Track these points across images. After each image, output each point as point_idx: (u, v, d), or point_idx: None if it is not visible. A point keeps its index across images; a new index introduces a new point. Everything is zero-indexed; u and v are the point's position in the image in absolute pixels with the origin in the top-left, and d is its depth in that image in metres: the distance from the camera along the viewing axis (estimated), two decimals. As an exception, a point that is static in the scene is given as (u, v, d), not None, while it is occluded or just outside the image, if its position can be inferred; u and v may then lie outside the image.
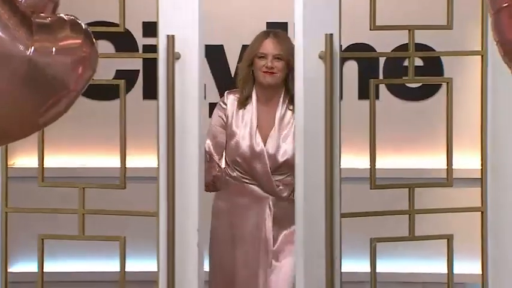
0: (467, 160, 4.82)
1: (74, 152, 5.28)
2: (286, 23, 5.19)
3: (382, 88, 5.36)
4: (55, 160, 5.02)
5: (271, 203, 4.06)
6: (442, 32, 4.07)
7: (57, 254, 4.98)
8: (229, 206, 4.16)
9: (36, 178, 4.11)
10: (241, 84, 4.09)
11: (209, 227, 4.33)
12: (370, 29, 3.76)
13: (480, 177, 4.02)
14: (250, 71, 4.07)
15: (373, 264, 3.73)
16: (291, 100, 4.02)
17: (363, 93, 5.29)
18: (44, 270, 4.11)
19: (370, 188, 3.72)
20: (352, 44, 5.15)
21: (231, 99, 4.07)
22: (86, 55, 2.12)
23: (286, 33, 4.40)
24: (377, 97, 4.35)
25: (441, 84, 4.95)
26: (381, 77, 5.24)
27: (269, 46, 3.96)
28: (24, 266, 4.86)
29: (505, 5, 2.09)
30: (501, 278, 3.99)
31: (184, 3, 3.83)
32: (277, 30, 4.23)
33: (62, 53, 2.10)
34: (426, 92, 5.30)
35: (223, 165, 4.27)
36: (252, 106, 4.04)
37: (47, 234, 4.14)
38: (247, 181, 4.08)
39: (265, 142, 4.04)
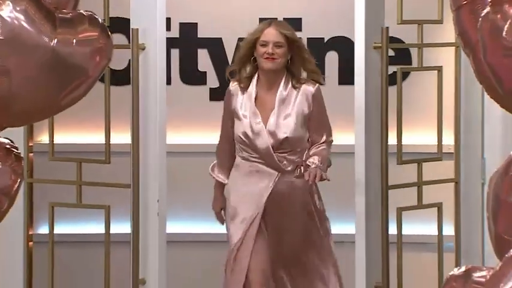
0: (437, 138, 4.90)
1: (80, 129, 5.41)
2: (276, 18, 5.18)
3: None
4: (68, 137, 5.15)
5: (276, 178, 4.11)
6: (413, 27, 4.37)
7: (67, 218, 5.05)
8: (241, 183, 4.18)
9: (46, 153, 4.63)
10: (237, 61, 4.15)
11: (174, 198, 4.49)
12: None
13: (454, 152, 4.45)
14: (249, 54, 4.13)
15: (399, 228, 4.14)
16: (296, 81, 4.09)
17: (343, 80, 5.25)
18: (59, 232, 4.56)
19: (397, 163, 4.16)
20: (333, 37, 5.17)
21: (235, 86, 4.17)
22: (103, 46, 2.24)
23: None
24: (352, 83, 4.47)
25: (409, 72, 4.90)
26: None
27: (270, 34, 4.04)
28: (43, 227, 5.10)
29: (464, 2, 2.19)
30: (470, 234, 4.45)
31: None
32: (279, 20, 4.31)
33: (81, 44, 2.22)
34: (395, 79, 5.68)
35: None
36: (253, 89, 4.14)
37: (56, 202, 4.50)
38: (254, 159, 4.14)
39: (266, 121, 4.11)
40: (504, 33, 2.11)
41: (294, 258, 4.21)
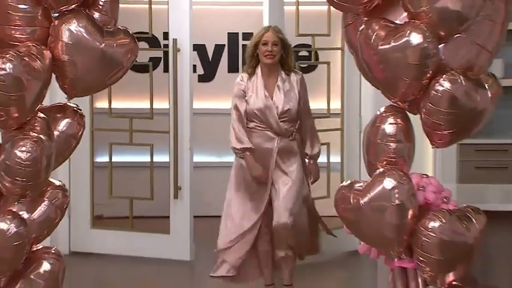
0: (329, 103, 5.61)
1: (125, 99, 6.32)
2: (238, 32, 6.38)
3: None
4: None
5: (278, 140, 4.24)
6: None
7: (123, 152, 6.17)
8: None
9: (107, 114, 5.57)
10: (248, 58, 4.33)
11: None
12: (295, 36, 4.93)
13: (340, 112, 5.47)
14: (254, 52, 4.28)
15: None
16: (287, 71, 4.28)
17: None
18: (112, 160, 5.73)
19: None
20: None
21: (244, 76, 4.32)
22: (132, 48, 2.51)
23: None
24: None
25: (317, 65, 5.93)
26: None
27: (269, 36, 4.17)
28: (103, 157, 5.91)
29: (350, 22, 2.52)
30: (351, 161, 5.53)
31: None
32: (274, 26, 4.40)
33: (119, 46, 2.48)
34: (308, 68, 6.13)
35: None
36: (258, 77, 4.30)
37: (113, 142, 5.77)
38: (260, 128, 4.25)
39: (272, 98, 4.22)
40: (372, 41, 2.43)
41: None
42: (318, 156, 4.32)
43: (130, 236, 5.74)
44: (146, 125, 5.66)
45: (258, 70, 4.22)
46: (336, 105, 5.53)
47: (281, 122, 4.18)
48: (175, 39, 5.43)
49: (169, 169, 5.48)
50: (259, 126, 4.23)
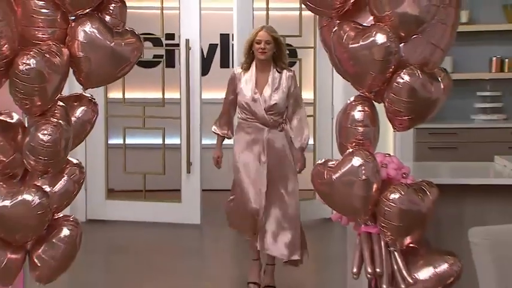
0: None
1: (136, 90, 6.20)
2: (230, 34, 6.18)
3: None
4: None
5: (266, 131, 3.99)
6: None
7: (135, 135, 6.13)
8: (242, 136, 4.05)
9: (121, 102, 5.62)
10: (245, 55, 4.09)
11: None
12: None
13: (313, 102, 5.52)
14: (250, 49, 4.04)
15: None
16: (280, 68, 3.98)
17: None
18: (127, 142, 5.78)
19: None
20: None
21: (239, 71, 4.09)
22: (138, 46, 2.47)
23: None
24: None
25: (296, 61, 5.72)
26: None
27: (263, 35, 3.93)
28: (117, 139, 5.89)
29: (324, 24, 2.48)
30: (324, 144, 5.52)
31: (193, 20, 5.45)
32: (268, 25, 4.17)
33: (126, 45, 2.43)
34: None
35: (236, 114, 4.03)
36: (252, 72, 4.07)
37: (127, 126, 5.85)
38: (250, 119, 3.99)
39: (261, 93, 3.95)
40: (343, 40, 2.40)
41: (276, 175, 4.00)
42: (305, 148, 4.06)
43: (143, 205, 5.77)
44: (158, 112, 5.74)
45: (253, 66, 4.05)
46: (308, 95, 5.49)
47: (269, 114, 3.96)
48: (188, 39, 5.59)
49: (181, 149, 5.62)
50: (249, 118, 4.05)
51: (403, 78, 2.31)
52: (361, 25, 2.35)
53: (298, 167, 4.02)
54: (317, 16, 2.49)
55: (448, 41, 2.40)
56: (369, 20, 2.35)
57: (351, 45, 2.32)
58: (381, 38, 2.29)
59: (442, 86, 2.37)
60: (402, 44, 2.33)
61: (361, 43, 2.31)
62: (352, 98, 2.46)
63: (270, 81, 3.96)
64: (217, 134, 4.07)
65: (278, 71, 3.96)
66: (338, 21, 2.38)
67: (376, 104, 2.46)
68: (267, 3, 5.53)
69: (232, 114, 4.06)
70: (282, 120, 4.01)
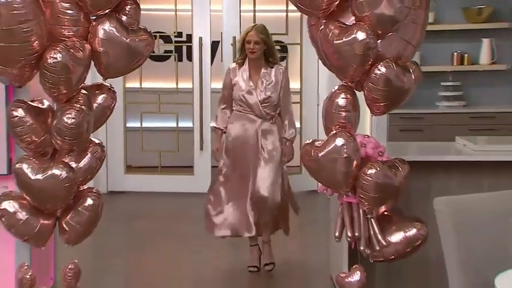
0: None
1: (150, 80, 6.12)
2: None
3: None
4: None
5: (260, 122, 3.80)
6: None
7: (151, 119, 6.07)
8: (237, 128, 3.85)
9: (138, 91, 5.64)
10: (238, 51, 3.93)
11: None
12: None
13: (299, 91, 5.50)
14: (242, 47, 3.85)
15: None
16: (271, 64, 3.79)
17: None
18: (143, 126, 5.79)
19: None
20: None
21: (233, 66, 3.90)
22: (150, 42, 2.41)
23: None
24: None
25: (285, 56, 5.74)
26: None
27: (252, 36, 3.71)
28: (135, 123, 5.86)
29: (313, 23, 2.40)
30: (310, 127, 5.46)
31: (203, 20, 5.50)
32: (258, 24, 3.88)
33: (140, 41, 2.38)
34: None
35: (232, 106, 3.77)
36: (246, 68, 3.87)
37: (145, 112, 5.84)
38: (245, 111, 3.80)
39: (256, 86, 3.77)
40: (329, 37, 2.33)
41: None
42: (293, 140, 3.83)
43: (159, 178, 5.80)
44: (171, 99, 5.80)
45: (247, 61, 3.89)
46: (295, 85, 5.39)
47: (263, 107, 3.77)
48: (201, 37, 5.73)
49: (193, 131, 5.74)
50: (244, 110, 3.86)
51: (380, 70, 2.28)
52: (344, 24, 2.30)
53: (286, 158, 3.77)
54: (305, 16, 2.43)
55: (418, 38, 2.36)
56: (351, 20, 2.30)
57: (335, 41, 2.28)
58: (361, 35, 2.25)
59: (413, 77, 2.34)
60: (379, 40, 2.29)
61: (344, 39, 2.26)
62: (336, 87, 2.41)
63: (262, 76, 3.78)
64: (219, 128, 3.84)
65: (270, 66, 3.78)
66: (324, 21, 2.33)
67: (356, 92, 2.42)
68: (254, 6, 5.56)
69: (229, 111, 3.85)
70: (275, 113, 3.81)
